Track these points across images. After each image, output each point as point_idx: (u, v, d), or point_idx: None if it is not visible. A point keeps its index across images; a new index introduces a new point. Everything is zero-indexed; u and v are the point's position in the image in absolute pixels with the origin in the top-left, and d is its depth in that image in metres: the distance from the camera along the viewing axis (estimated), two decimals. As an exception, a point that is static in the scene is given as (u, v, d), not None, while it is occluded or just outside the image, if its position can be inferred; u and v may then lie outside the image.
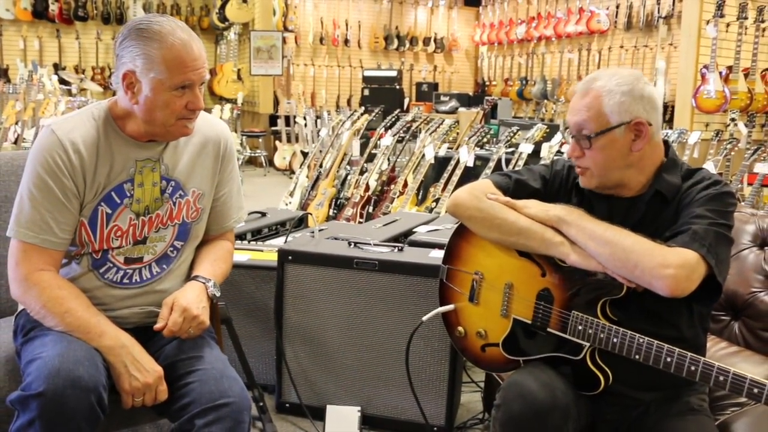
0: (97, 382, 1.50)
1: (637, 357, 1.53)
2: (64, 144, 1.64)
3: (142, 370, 1.61)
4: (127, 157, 1.72)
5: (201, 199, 1.84)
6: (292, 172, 8.81)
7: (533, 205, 1.73)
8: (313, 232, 2.79)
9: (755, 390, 1.37)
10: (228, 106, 9.20)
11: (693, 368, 1.45)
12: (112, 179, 1.71)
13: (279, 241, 3.07)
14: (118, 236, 1.72)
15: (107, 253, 1.73)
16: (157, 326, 1.68)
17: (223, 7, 10.45)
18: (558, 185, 1.84)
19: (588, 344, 1.61)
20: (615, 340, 1.56)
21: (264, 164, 9.82)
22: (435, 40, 12.21)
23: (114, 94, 1.78)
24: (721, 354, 1.95)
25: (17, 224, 1.66)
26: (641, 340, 1.52)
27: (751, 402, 1.71)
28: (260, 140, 9.99)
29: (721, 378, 1.42)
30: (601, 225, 1.62)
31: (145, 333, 1.74)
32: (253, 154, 10.03)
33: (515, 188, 1.82)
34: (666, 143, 1.76)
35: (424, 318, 2.04)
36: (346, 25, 11.61)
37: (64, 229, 1.66)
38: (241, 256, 2.72)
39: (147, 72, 1.62)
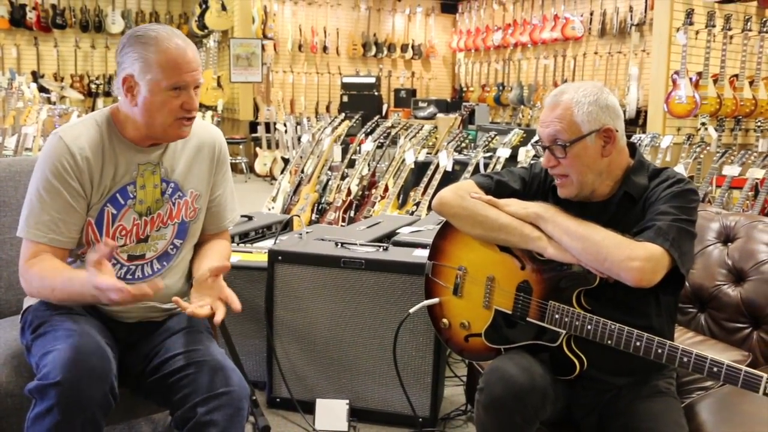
0: (109, 372, 1.60)
1: (609, 342, 1.66)
2: (72, 150, 1.74)
3: (123, 290, 1.52)
4: (129, 160, 1.82)
5: (198, 199, 1.94)
6: (273, 179, 8.88)
7: (513, 203, 1.86)
8: (301, 234, 2.89)
9: (715, 369, 1.51)
10: (209, 113, 9.26)
11: (660, 351, 1.59)
12: (117, 182, 1.80)
13: (266, 244, 3.16)
14: (122, 235, 1.82)
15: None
16: (217, 320, 1.75)
17: (202, 15, 10.50)
18: (536, 187, 1.96)
19: (564, 332, 1.73)
20: (589, 327, 1.69)
21: (245, 171, 9.88)
22: (413, 46, 12.35)
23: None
24: (689, 343, 2.06)
25: (27, 224, 1.74)
26: (613, 327, 1.65)
27: (715, 385, 1.85)
28: (241, 147, 10.04)
29: (685, 359, 1.55)
30: (575, 221, 1.74)
31: (146, 327, 1.84)
32: (233, 161, 10.07)
33: (496, 188, 1.94)
34: (633, 146, 1.89)
35: (411, 310, 2.15)
36: (325, 32, 11.71)
37: (71, 228, 1.76)
38: (231, 258, 2.80)
39: (144, 74, 1.72)
